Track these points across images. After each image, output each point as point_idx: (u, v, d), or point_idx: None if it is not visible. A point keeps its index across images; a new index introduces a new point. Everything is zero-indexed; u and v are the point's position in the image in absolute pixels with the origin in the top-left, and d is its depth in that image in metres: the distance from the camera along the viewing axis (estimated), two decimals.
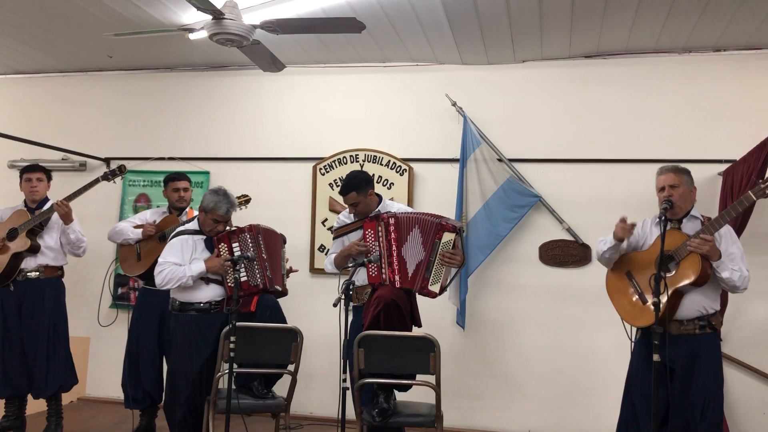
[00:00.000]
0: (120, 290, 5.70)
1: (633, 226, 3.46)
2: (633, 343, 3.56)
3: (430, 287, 3.59)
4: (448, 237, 3.61)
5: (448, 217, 3.75)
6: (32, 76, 6.20)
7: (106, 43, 5.23)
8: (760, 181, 3.18)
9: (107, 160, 5.90)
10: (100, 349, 5.68)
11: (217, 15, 2.77)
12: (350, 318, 3.33)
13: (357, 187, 3.75)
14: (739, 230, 4.02)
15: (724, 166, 4.70)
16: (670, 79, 5.00)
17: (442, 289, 3.62)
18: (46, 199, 4.56)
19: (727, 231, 3.38)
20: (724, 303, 4.30)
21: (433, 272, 3.60)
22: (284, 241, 4.20)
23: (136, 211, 5.78)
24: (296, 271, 4.27)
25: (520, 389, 5.03)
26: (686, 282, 3.24)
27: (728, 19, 4.37)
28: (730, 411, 4.58)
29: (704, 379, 3.28)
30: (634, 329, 3.49)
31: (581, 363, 4.92)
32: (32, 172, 4.53)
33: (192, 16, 4.45)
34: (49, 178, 4.62)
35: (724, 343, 4.64)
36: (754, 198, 3.19)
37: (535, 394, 4.99)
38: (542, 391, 4.98)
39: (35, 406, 4.71)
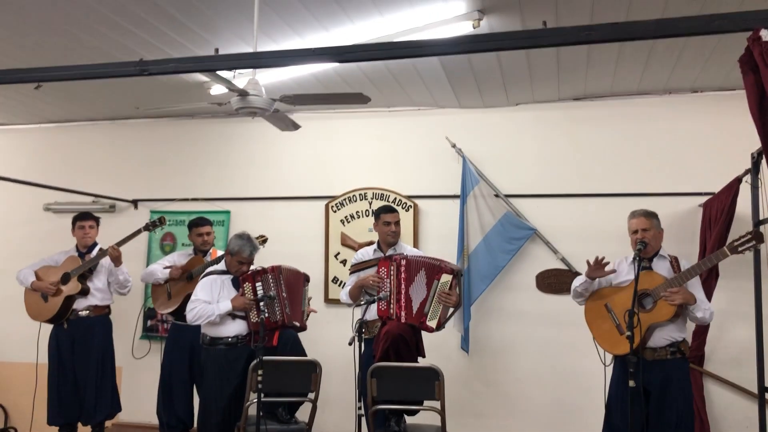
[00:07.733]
0: (149, 322, 6.14)
1: (604, 265, 3.86)
2: (605, 367, 3.99)
3: (428, 322, 4.04)
4: (445, 278, 4.07)
5: (450, 261, 4.21)
6: (62, 125, 6.66)
7: (133, 96, 5.69)
8: (735, 240, 3.57)
9: (134, 202, 6.37)
10: (131, 378, 6.07)
11: (243, 93, 3.22)
12: (362, 350, 3.76)
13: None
14: None
15: (704, 198, 5.08)
16: (653, 119, 5.39)
17: (440, 325, 4.07)
18: (95, 244, 5.04)
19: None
20: (706, 327, 4.69)
21: (431, 309, 4.05)
22: (307, 280, 4.63)
23: (162, 248, 6.25)
24: (315, 312, 4.71)
25: (520, 408, 5.41)
26: (662, 321, 3.68)
27: (701, 65, 4.78)
28: (715, 425, 4.95)
29: (676, 398, 3.70)
30: (608, 355, 3.92)
31: (575, 382, 5.30)
32: (85, 220, 5.02)
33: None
34: (98, 224, 5.11)
35: (708, 362, 5.04)
36: (729, 254, 3.59)
37: (534, 412, 5.37)
38: (540, 409, 5.36)
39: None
